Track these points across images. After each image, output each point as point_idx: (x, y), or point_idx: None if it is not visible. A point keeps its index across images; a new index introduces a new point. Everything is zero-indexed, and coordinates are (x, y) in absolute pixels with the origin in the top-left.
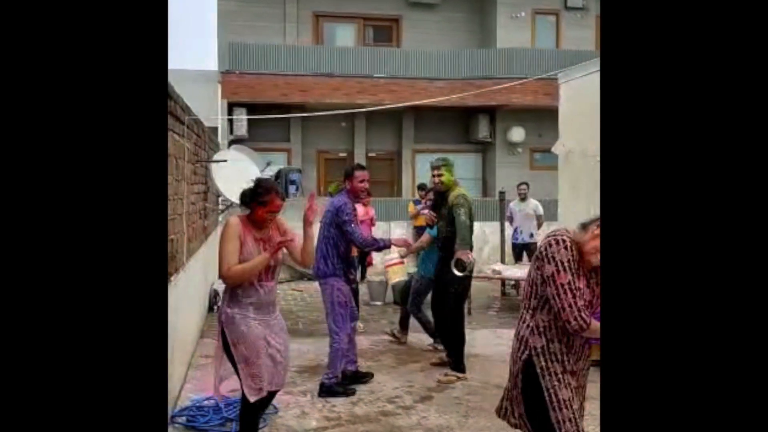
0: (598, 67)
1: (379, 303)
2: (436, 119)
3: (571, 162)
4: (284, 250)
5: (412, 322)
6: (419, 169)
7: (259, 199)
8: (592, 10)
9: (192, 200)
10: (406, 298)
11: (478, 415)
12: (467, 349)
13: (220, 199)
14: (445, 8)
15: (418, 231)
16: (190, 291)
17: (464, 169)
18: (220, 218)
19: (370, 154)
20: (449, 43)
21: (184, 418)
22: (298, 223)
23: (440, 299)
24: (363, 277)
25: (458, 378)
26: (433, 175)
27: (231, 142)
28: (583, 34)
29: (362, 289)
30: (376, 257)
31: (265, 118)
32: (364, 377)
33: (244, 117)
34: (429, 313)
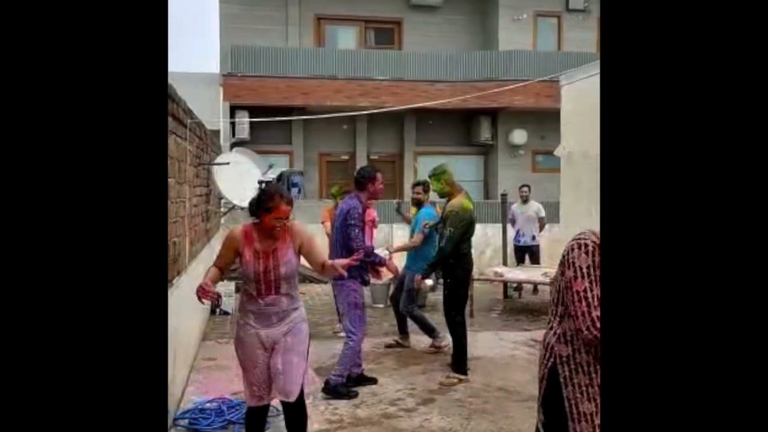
0: (599, 70)
1: (380, 306)
2: (438, 121)
3: (573, 164)
4: (292, 260)
5: (411, 323)
6: (421, 171)
7: (264, 206)
8: (594, 12)
9: (194, 203)
10: (396, 303)
11: (480, 417)
12: (468, 351)
13: (222, 201)
14: (446, 10)
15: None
16: (192, 293)
17: (466, 171)
18: (222, 220)
19: (371, 157)
20: (451, 46)
21: (186, 421)
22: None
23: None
24: None
25: (460, 380)
26: (414, 192)
27: (233, 145)
28: (585, 36)
29: (365, 291)
30: None
31: (267, 121)
32: (369, 381)
33: (246, 120)
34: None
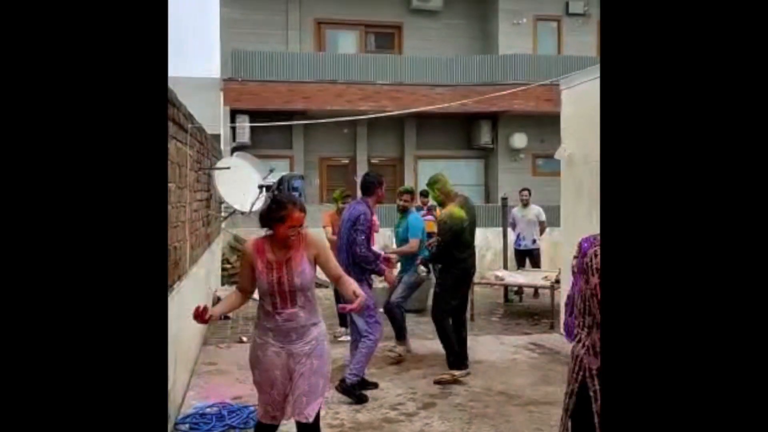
0: (599, 74)
1: (381, 310)
2: (439, 125)
3: (573, 168)
4: (307, 270)
5: (411, 327)
6: (422, 175)
7: (276, 216)
8: (594, 16)
9: (195, 208)
10: (390, 311)
11: (481, 421)
12: (469, 355)
13: (222, 206)
14: (446, 15)
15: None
16: (193, 298)
17: (466, 175)
18: (222, 225)
19: (372, 161)
20: (451, 50)
21: (186, 426)
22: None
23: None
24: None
25: (452, 376)
26: (401, 199)
27: (233, 149)
28: (585, 39)
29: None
30: None
31: (268, 126)
32: (370, 385)
33: (247, 124)
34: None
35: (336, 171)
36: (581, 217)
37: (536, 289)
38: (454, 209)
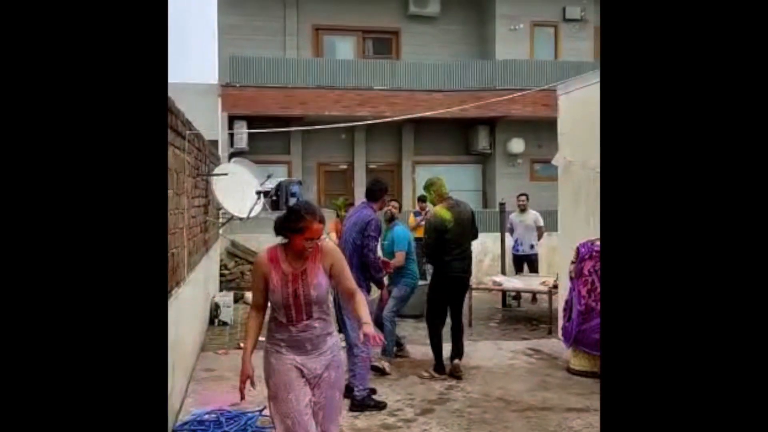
0: (596, 79)
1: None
2: (436, 131)
3: (570, 173)
4: (323, 282)
5: (409, 333)
6: (420, 180)
7: (294, 227)
8: (590, 21)
9: (192, 214)
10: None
11: (479, 427)
12: (466, 361)
13: (220, 212)
14: (443, 21)
15: (418, 242)
16: (191, 304)
17: (464, 180)
18: (220, 231)
19: (370, 166)
20: (448, 55)
21: None
22: None
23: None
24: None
25: (432, 376)
26: (390, 206)
27: (231, 155)
28: (582, 45)
29: None
30: None
31: (266, 132)
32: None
33: (245, 131)
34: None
35: (334, 176)
36: (578, 222)
37: (534, 294)
38: (440, 209)
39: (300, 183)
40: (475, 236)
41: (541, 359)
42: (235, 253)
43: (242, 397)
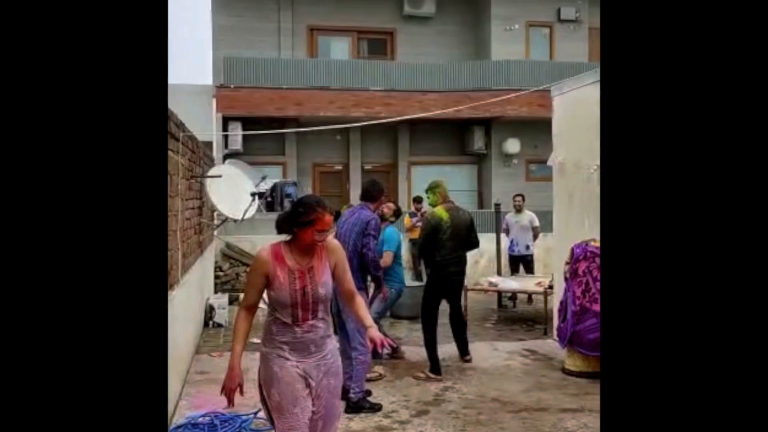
0: (591, 80)
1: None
2: (432, 131)
3: (565, 174)
4: (329, 280)
5: (404, 334)
6: (415, 181)
7: (304, 219)
8: (585, 22)
9: (187, 216)
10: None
11: (474, 429)
12: (462, 362)
13: (215, 213)
14: (439, 21)
15: (414, 243)
16: (185, 306)
17: (460, 180)
18: (215, 233)
19: (365, 167)
20: (444, 56)
21: None
22: None
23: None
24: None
25: (427, 377)
26: (385, 206)
27: (226, 156)
28: (576, 46)
29: None
30: None
31: (260, 133)
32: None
33: (239, 132)
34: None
35: (329, 177)
36: (573, 223)
37: (530, 295)
38: (438, 210)
39: (295, 184)
40: (474, 245)
41: (537, 360)
42: (230, 255)
43: (231, 404)
